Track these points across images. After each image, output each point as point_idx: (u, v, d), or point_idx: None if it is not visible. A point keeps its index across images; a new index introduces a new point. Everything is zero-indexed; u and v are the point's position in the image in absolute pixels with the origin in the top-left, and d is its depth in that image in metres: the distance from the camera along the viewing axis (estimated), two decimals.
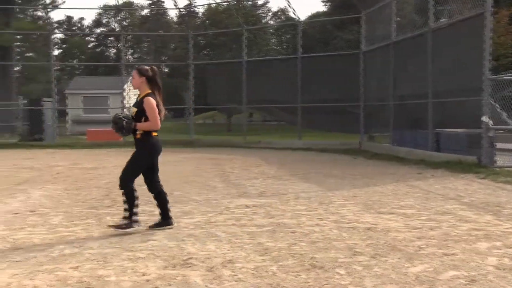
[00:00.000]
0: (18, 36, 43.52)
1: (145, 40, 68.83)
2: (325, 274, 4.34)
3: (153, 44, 66.52)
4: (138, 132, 5.77)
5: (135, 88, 5.97)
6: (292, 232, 5.87)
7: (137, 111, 5.79)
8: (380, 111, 18.15)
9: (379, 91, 18.18)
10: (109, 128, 6.63)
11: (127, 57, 64.03)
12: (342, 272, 4.40)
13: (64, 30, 70.91)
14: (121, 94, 25.42)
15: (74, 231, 6.04)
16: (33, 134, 23.66)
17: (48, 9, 41.74)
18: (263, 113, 26.19)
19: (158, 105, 5.76)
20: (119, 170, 5.99)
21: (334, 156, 16.63)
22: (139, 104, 5.81)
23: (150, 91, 5.82)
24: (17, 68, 40.15)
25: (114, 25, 70.19)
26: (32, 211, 7.32)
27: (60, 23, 69.78)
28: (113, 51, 70.06)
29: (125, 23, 64.41)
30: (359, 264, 4.63)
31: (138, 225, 5.89)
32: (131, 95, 32.91)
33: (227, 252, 5.07)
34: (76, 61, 65.33)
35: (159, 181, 6.05)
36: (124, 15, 63.51)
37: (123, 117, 5.83)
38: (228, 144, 21.73)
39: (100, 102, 32.11)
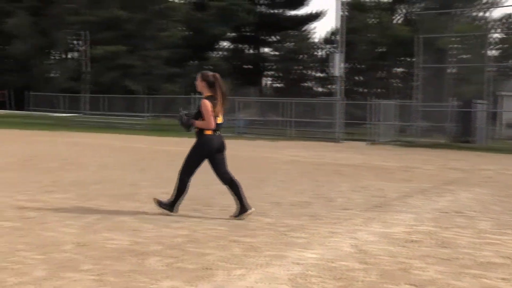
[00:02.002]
0: (454, 39, 44.32)
1: None
2: None
3: None
4: (194, 129, 6.44)
5: (198, 90, 6.58)
6: None
7: (197, 111, 6.44)
8: None
9: None
10: None
11: None
12: None
13: (504, 29, 68.60)
14: None
15: (502, 240, 5.73)
16: (462, 136, 23.76)
17: (487, 9, 41.17)
18: None
19: (215, 107, 6.29)
20: None
21: None
22: (198, 105, 6.44)
23: (210, 94, 6.39)
24: (452, 70, 41.00)
25: None
26: (458, 212, 7.30)
27: (498, 21, 67.70)
28: None
29: None
30: None
31: (175, 212, 6.53)
32: None
33: None
34: None
35: (226, 173, 6.49)
36: None
37: (185, 114, 6.56)
38: None
39: None
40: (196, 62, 50.44)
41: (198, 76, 6.55)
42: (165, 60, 46.83)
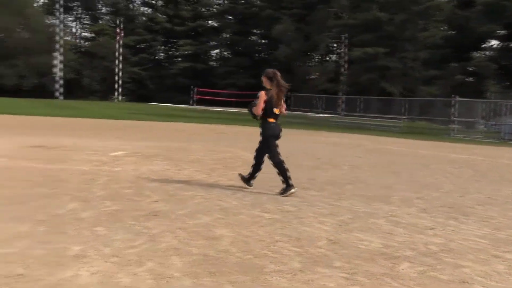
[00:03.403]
0: None
1: None
2: None
3: None
4: (259, 117, 7.44)
5: (264, 85, 7.49)
6: None
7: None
8: None
9: None
10: None
11: None
12: None
13: None
14: None
15: None
16: None
17: None
18: None
19: (272, 99, 7.33)
20: None
21: None
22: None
23: (270, 88, 7.40)
24: None
25: None
26: None
27: None
28: None
29: None
30: None
31: (251, 186, 7.89)
32: None
33: None
34: None
35: (275, 156, 7.45)
36: None
37: (252, 103, 7.50)
38: None
39: None
40: (456, 63, 47.92)
41: (263, 74, 7.59)
42: (423, 61, 45.55)
